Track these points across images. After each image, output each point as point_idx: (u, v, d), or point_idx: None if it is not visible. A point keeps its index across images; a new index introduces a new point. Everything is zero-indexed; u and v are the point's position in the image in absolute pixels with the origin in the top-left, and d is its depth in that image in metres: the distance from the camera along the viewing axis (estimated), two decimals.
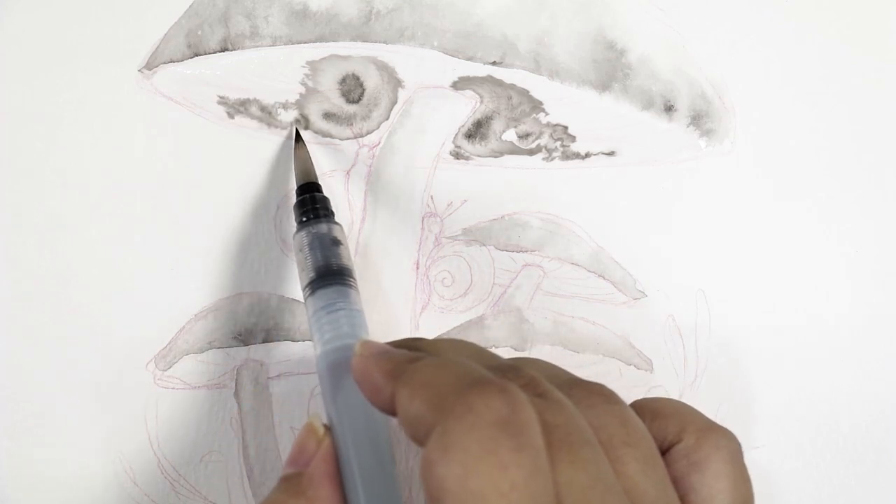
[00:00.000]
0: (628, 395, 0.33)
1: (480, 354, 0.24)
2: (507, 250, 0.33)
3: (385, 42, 0.32)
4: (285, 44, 0.32)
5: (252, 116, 0.33)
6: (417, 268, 0.33)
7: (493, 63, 0.32)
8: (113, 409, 0.33)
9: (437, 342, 0.25)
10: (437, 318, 0.33)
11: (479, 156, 0.33)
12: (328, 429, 0.25)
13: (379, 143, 0.33)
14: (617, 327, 0.33)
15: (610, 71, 0.32)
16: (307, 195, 0.30)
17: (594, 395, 0.23)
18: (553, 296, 0.33)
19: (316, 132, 0.33)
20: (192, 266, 0.33)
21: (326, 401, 0.26)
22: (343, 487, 0.24)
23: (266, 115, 0.33)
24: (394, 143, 0.33)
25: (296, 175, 0.31)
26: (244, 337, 0.33)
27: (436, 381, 0.21)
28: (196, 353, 0.33)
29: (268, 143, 0.33)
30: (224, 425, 0.33)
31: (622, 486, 0.21)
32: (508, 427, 0.19)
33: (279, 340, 0.33)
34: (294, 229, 0.30)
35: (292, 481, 0.24)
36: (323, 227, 0.29)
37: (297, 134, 0.32)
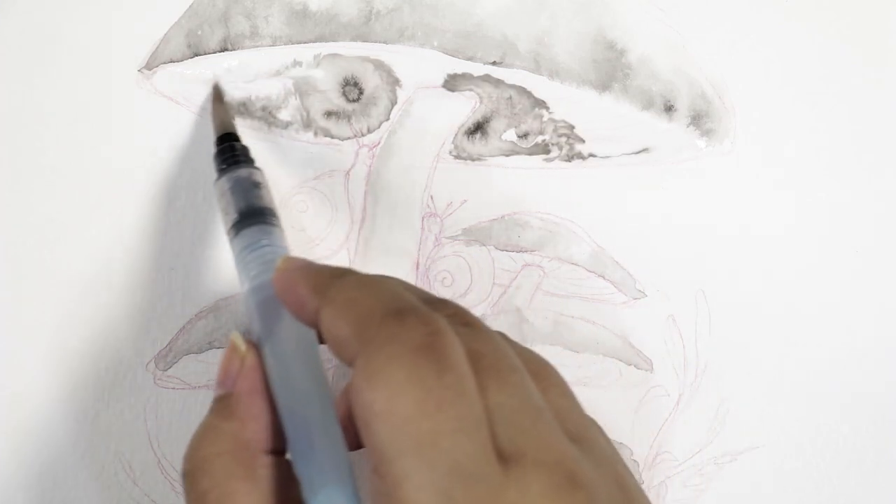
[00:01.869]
0: (628, 396, 0.33)
1: (409, 286, 0.24)
2: (507, 250, 0.33)
3: (385, 42, 0.32)
4: (285, 44, 0.32)
5: (252, 116, 0.33)
6: (417, 268, 0.33)
7: (493, 63, 0.32)
8: (113, 409, 0.33)
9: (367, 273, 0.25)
10: None
11: (479, 156, 0.33)
12: (251, 344, 0.25)
13: (379, 143, 0.33)
14: (617, 327, 0.33)
15: (610, 71, 0.32)
16: (226, 144, 0.30)
17: (500, 334, 0.24)
18: (553, 296, 0.33)
19: (316, 132, 0.33)
20: (192, 266, 0.33)
21: (256, 333, 0.25)
22: (276, 407, 0.23)
23: (266, 115, 0.33)
24: (394, 143, 0.33)
25: (214, 126, 0.31)
26: (244, 337, 0.33)
27: (359, 303, 0.21)
28: (196, 353, 0.33)
29: (268, 144, 0.33)
30: None
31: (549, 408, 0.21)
32: (431, 353, 0.20)
33: None
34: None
35: (222, 402, 0.24)
36: (243, 172, 0.29)
37: (216, 87, 0.32)
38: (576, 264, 0.33)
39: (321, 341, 0.24)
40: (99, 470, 0.33)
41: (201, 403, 0.33)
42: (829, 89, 0.33)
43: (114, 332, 0.33)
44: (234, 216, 0.28)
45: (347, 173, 0.33)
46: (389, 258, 0.33)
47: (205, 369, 0.33)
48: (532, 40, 0.32)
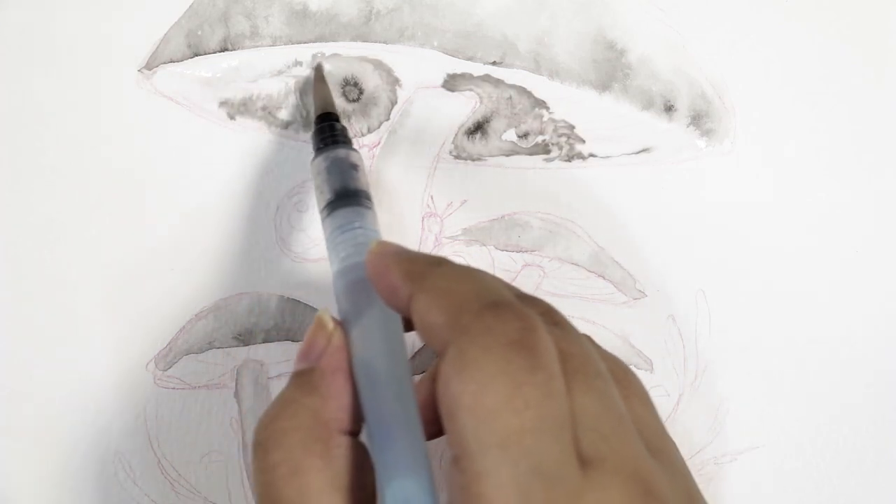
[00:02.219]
0: None
1: (503, 282, 0.24)
2: (507, 250, 0.33)
3: (385, 42, 0.32)
4: (285, 44, 0.32)
5: (252, 116, 0.33)
6: None
7: (494, 63, 0.32)
8: (113, 409, 0.33)
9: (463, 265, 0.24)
10: None
11: (479, 156, 0.33)
12: (338, 323, 0.24)
13: (379, 143, 0.33)
14: (617, 327, 0.33)
15: (610, 71, 0.32)
16: (325, 123, 0.30)
17: (587, 337, 0.24)
18: (553, 296, 0.33)
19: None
20: (192, 266, 0.33)
21: (343, 314, 0.25)
22: (356, 386, 0.23)
23: (266, 114, 0.33)
24: (394, 143, 0.33)
25: (315, 106, 0.31)
26: (244, 337, 0.33)
27: (455, 292, 0.21)
28: (196, 353, 0.33)
29: (268, 143, 0.33)
30: (224, 425, 0.33)
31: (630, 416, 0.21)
32: (524, 349, 0.20)
33: (279, 340, 0.33)
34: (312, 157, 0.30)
35: (304, 377, 0.24)
36: (341, 153, 0.29)
37: (318, 67, 0.32)
38: (576, 264, 0.33)
39: (407, 329, 0.24)
40: (99, 470, 0.33)
41: (201, 403, 0.33)
42: (829, 89, 0.33)
43: (114, 332, 0.33)
44: (329, 195, 0.28)
45: None
46: None
47: (205, 369, 0.33)
48: (532, 40, 0.32)
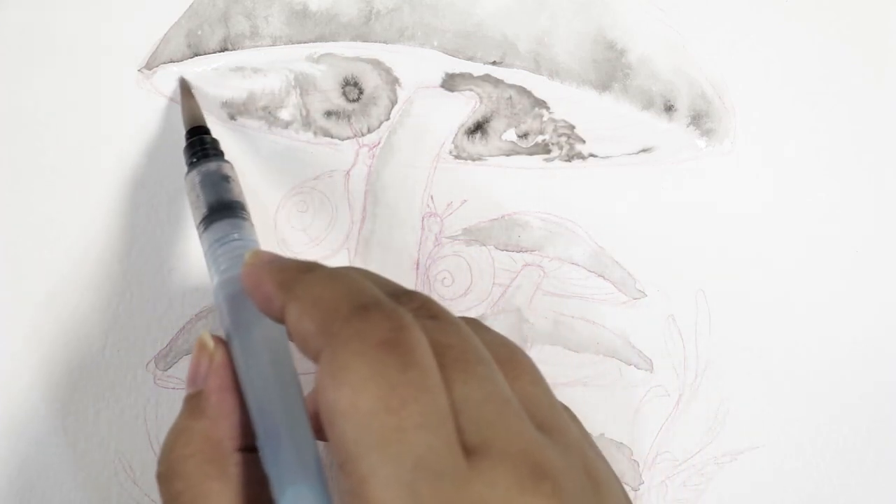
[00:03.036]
0: (628, 395, 0.33)
1: (376, 279, 0.24)
2: (507, 250, 0.33)
3: (385, 42, 0.32)
4: (285, 44, 0.32)
5: (252, 116, 0.33)
6: (417, 268, 0.33)
7: (494, 63, 0.32)
8: (113, 409, 0.33)
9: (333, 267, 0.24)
10: None
11: (479, 156, 0.33)
12: (219, 341, 0.24)
13: (379, 143, 0.33)
14: (617, 327, 0.33)
15: (610, 71, 0.32)
16: (195, 138, 0.30)
17: (470, 320, 0.24)
18: (553, 296, 0.33)
19: (316, 132, 0.33)
20: (192, 266, 0.33)
21: (226, 328, 0.25)
22: (246, 404, 0.23)
23: (267, 114, 0.33)
24: (394, 143, 0.33)
25: (184, 120, 0.31)
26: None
27: (324, 298, 0.21)
28: None
29: (268, 143, 0.33)
30: None
31: (518, 397, 0.21)
32: (395, 348, 0.20)
33: None
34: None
35: (193, 402, 0.24)
36: (212, 165, 0.29)
37: (183, 81, 0.32)
38: (576, 264, 0.33)
39: (291, 337, 0.24)
40: (99, 470, 0.33)
41: None
42: (829, 89, 0.33)
43: (114, 332, 0.33)
44: (203, 210, 0.28)
45: (347, 173, 0.33)
46: (389, 258, 0.33)
47: None
48: (532, 40, 0.32)
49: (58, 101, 0.33)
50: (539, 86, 0.33)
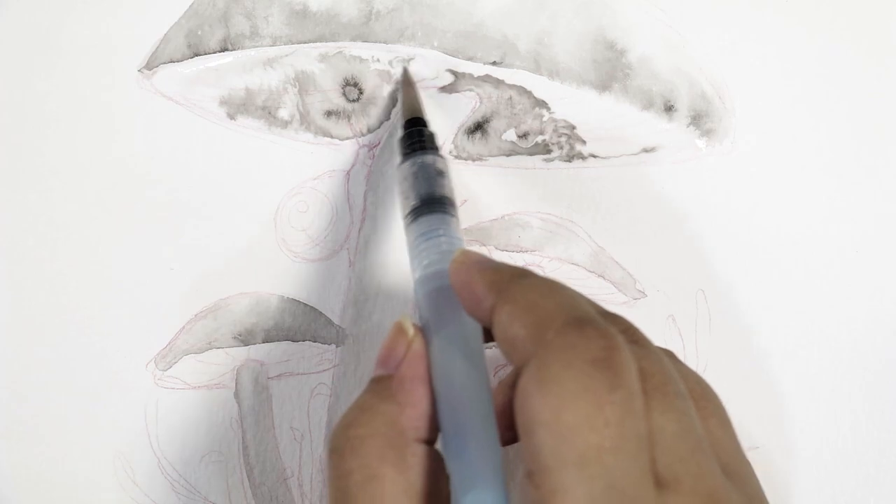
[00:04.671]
0: None
1: (585, 297, 0.23)
2: (507, 250, 0.33)
3: (385, 42, 0.32)
4: (285, 44, 0.32)
5: (252, 116, 0.33)
6: None
7: (494, 63, 0.32)
8: (113, 409, 0.33)
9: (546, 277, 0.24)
10: None
11: (479, 156, 0.33)
12: (418, 329, 0.24)
13: (379, 143, 0.33)
14: None
15: (610, 71, 0.32)
16: (414, 128, 0.30)
17: (667, 351, 0.24)
18: None
19: (316, 132, 0.33)
20: (192, 266, 0.33)
21: (424, 321, 0.25)
22: (434, 395, 0.23)
23: (266, 114, 0.33)
24: (394, 143, 0.33)
25: (402, 110, 0.31)
26: (244, 337, 0.33)
27: (539, 306, 0.21)
28: (196, 353, 0.33)
29: (268, 143, 0.33)
30: (224, 425, 0.33)
31: (707, 437, 0.21)
32: (606, 367, 0.20)
33: (279, 340, 0.33)
34: (398, 162, 0.30)
35: (382, 383, 0.23)
36: (428, 158, 0.29)
37: (405, 71, 0.32)
38: (576, 264, 0.33)
39: (486, 340, 0.24)
40: (99, 470, 0.33)
41: (201, 403, 0.33)
42: (829, 89, 0.33)
43: (114, 332, 0.33)
44: (414, 201, 0.28)
45: (348, 173, 0.33)
46: (389, 258, 0.33)
47: (205, 369, 0.33)
48: (532, 40, 0.32)
49: (58, 100, 0.33)
50: (539, 86, 0.33)
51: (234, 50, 0.32)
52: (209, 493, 0.33)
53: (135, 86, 0.33)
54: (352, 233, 0.33)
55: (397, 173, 0.29)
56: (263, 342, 0.33)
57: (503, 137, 0.33)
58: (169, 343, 0.33)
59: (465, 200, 0.33)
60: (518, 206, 0.33)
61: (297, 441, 0.33)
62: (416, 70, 0.33)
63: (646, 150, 0.33)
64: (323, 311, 0.33)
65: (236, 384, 0.33)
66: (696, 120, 0.33)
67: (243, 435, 0.33)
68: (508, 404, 0.21)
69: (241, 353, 0.33)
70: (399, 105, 0.32)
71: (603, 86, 0.32)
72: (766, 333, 0.33)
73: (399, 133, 0.30)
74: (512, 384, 0.21)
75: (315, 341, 0.33)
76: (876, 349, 0.34)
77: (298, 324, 0.33)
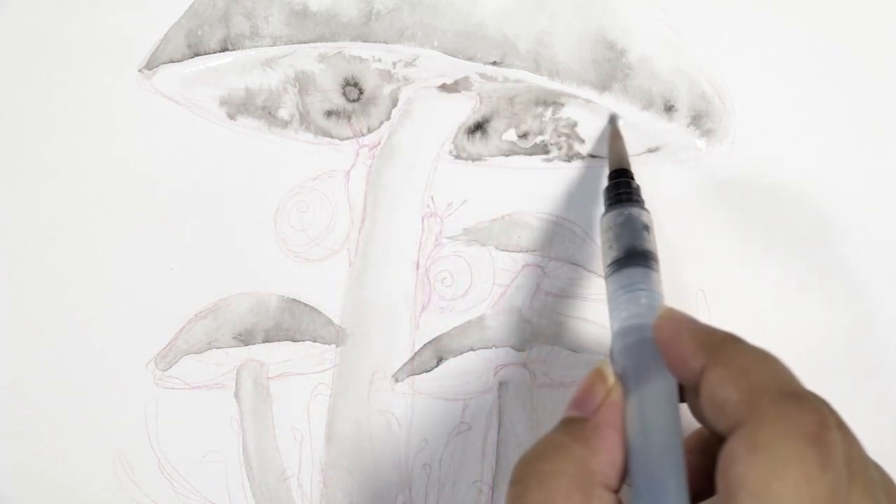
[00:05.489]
0: None
1: (790, 369, 0.24)
2: (507, 250, 0.33)
3: (385, 42, 0.32)
4: (285, 44, 0.32)
5: (252, 116, 0.33)
6: (417, 268, 0.33)
7: (494, 63, 0.32)
8: (113, 409, 0.33)
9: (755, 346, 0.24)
10: (437, 318, 0.33)
11: (479, 156, 0.33)
12: (619, 379, 0.24)
13: (379, 143, 0.33)
14: None
15: (610, 71, 0.32)
16: (621, 179, 0.30)
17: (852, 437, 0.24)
18: (553, 296, 0.33)
19: (316, 132, 0.33)
20: (192, 266, 0.33)
21: (621, 372, 0.25)
22: (627, 446, 0.23)
23: (266, 114, 0.33)
24: (394, 143, 0.33)
25: (610, 160, 0.31)
26: (244, 337, 0.33)
27: (754, 372, 0.22)
28: (196, 353, 0.33)
29: (268, 143, 0.33)
30: (224, 425, 0.33)
31: None
32: (819, 444, 0.20)
33: (279, 340, 0.33)
34: (602, 211, 0.30)
35: (576, 425, 0.23)
36: (635, 211, 0.29)
37: (613, 121, 0.32)
38: (576, 264, 0.33)
39: (681, 399, 0.24)
40: (99, 470, 0.33)
41: (201, 403, 0.33)
42: (829, 89, 0.33)
43: (114, 332, 0.33)
44: (617, 253, 0.28)
45: (347, 173, 0.33)
46: (389, 258, 0.33)
47: (205, 369, 0.33)
48: (532, 40, 0.32)
49: (58, 100, 0.33)
50: (539, 86, 0.33)
51: (234, 50, 0.32)
52: (209, 493, 0.33)
53: (135, 86, 0.33)
54: (352, 233, 0.33)
55: (601, 223, 0.29)
56: (263, 342, 0.33)
57: (503, 137, 0.33)
58: (169, 343, 0.33)
59: (466, 200, 0.33)
60: (518, 206, 0.33)
61: (297, 441, 0.33)
62: (415, 70, 0.33)
63: (646, 151, 0.33)
64: (323, 311, 0.33)
65: (236, 384, 0.33)
66: (696, 120, 0.33)
67: (243, 435, 0.33)
68: (696, 464, 0.22)
69: (241, 353, 0.33)
70: (607, 155, 0.32)
71: (603, 86, 0.32)
72: (765, 333, 0.33)
73: (606, 183, 0.30)
74: (702, 446, 0.23)
75: (315, 341, 0.33)
76: (876, 349, 0.34)
77: (298, 324, 0.33)
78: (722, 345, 0.23)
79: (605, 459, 0.23)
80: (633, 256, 0.27)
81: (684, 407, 0.24)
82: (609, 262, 0.28)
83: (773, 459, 0.20)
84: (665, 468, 0.22)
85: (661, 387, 0.24)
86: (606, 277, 0.28)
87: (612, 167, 0.31)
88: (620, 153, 0.31)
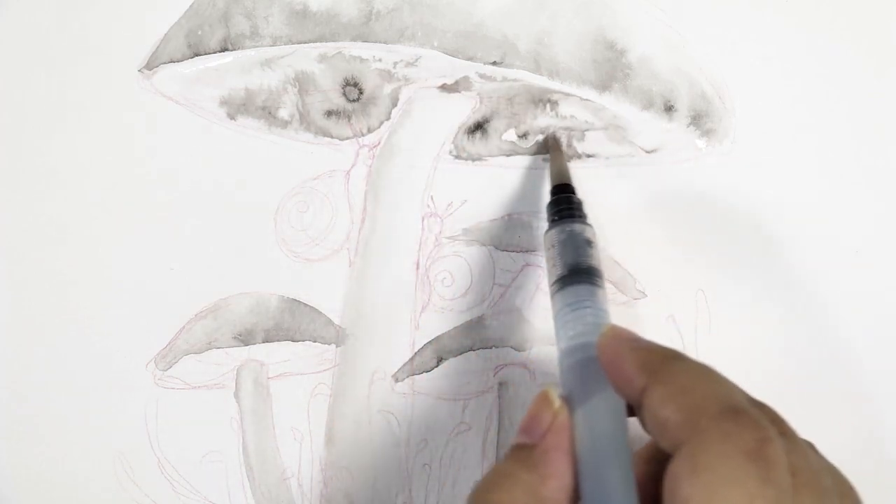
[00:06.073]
0: None
1: (735, 384, 0.24)
2: (507, 250, 0.33)
3: (385, 42, 0.32)
4: (285, 44, 0.32)
5: (252, 116, 0.33)
6: (417, 268, 0.33)
7: (494, 63, 0.32)
8: (113, 409, 0.33)
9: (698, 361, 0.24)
10: (437, 318, 0.33)
11: (479, 156, 0.33)
12: (564, 402, 0.24)
13: (379, 143, 0.33)
14: None
15: (610, 71, 0.32)
16: (562, 195, 0.30)
17: (808, 443, 0.24)
18: None
19: (316, 132, 0.33)
20: (192, 266, 0.33)
21: (567, 392, 0.25)
22: (576, 467, 0.23)
23: (266, 114, 0.33)
24: (394, 143, 0.33)
25: (551, 176, 0.31)
26: (244, 337, 0.33)
27: (693, 391, 0.22)
28: (196, 353, 0.33)
29: (268, 143, 0.33)
30: (224, 425, 0.33)
31: None
32: (760, 460, 0.20)
33: (279, 340, 0.33)
34: (545, 228, 0.30)
35: (524, 452, 0.24)
36: (577, 227, 0.29)
37: (554, 137, 0.33)
38: None
39: (629, 414, 0.24)
40: (99, 470, 0.33)
41: (201, 403, 0.33)
42: (829, 89, 0.33)
43: (114, 332, 0.33)
44: (561, 270, 0.28)
45: (347, 173, 0.33)
46: (389, 258, 0.33)
47: (205, 369, 0.33)
48: (532, 40, 0.32)
49: (58, 100, 0.33)
50: (539, 86, 0.33)
51: (235, 50, 0.32)
52: (209, 493, 0.33)
53: (135, 86, 0.33)
54: (352, 233, 0.33)
55: (544, 240, 0.30)
56: (263, 342, 0.33)
57: (503, 137, 0.33)
58: (169, 343, 0.33)
59: (466, 200, 0.33)
60: (518, 206, 0.33)
61: (297, 441, 0.33)
62: (416, 70, 0.33)
63: (646, 151, 0.33)
64: (323, 311, 0.33)
65: (236, 384, 0.33)
66: (696, 120, 0.33)
67: (243, 435, 0.33)
68: (645, 479, 0.22)
69: (241, 353, 0.33)
70: (547, 171, 0.32)
71: (603, 86, 0.32)
72: (765, 333, 0.33)
73: (547, 199, 0.30)
74: (648, 459, 0.23)
75: (315, 341, 0.33)
76: (876, 349, 0.34)
77: (298, 324, 0.33)
78: (662, 363, 0.23)
79: (555, 485, 0.23)
80: (577, 273, 0.27)
81: (635, 421, 0.24)
82: (553, 279, 0.28)
83: (714, 479, 0.20)
84: (614, 487, 0.22)
85: (607, 404, 0.24)
86: (552, 296, 0.28)
87: (554, 182, 0.31)
88: (561, 168, 0.31)
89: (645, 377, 0.22)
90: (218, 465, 0.33)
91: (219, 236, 0.33)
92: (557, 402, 0.24)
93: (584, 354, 0.25)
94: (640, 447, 0.24)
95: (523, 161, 0.33)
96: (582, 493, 0.23)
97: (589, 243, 0.29)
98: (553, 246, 0.29)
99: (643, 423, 0.23)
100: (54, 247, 0.33)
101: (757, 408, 0.22)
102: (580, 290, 0.27)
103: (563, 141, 0.33)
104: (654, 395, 0.22)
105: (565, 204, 0.30)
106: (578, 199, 0.30)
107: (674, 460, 0.21)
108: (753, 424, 0.20)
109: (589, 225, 0.29)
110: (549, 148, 0.32)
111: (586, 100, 0.32)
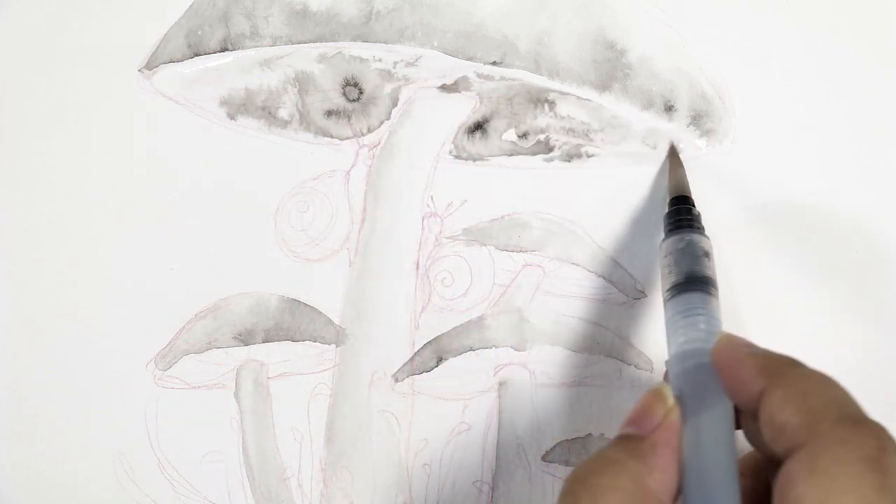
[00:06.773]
0: (628, 396, 0.33)
1: (850, 392, 0.24)
2: (507, 250, 0.33)
3: (385, 42, 0.32)
4: (285, 44, 0.32)
5: (252, 116, 0.33)
6: (417, 268, 0.33)
7: (494, 63, 0.32)
8: (113, 409, 0.33)
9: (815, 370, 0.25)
10: (437, 318, 0.33)
11: (479, 156, 0.33)
12: (678, 401, 0.24)
13: (379, 143, 0.33)
14: (617, 327, 0.33)
15: (610, 71, 0.32)
16: (682, 206, 0.30)
17: None
18: (553, 296, 0.33)
19: (316, 132, 0.33)
20: (192, 266, 0.33)
21: (678, 396, 0.25)
22: (682, 468, 0.23)
23: (266, 114, 0.33)
24: (394, 143, 0.33)
25: (669, 187, 0.32)
26: (244, 337, 0.33)
27: (814, 396, 0.22)
28: (196, 353, 0.33)
29: (268, 143, 0.33)
30: (224, 425, 0.33)
31: None
32: (878, 468, 0.20)
33: (279, 340, 0.33)
34: (662, 237, 0.30)
35: (633, 443, 0.24)
36: (695, 237, 0.29)
37: (673, 149, 0.33)
38: (576, 264, 0.33)
39: (737, 425, 0.24)
40: (99, 470, 0.33)
41: (201, 403, 0.33)
42: (830, 89, 0.33)
43: (114, 332, 0.33)
44: (676, 278, 0.28)
45: (347, 173, 0.33)
46: (389, 258, 0.33)
47: (205, 369, 0.33)
48: (532, 40, 0.32)
49: (58, 100, 0.33)
50: (539, 86, 0.33)
51: (235, 50, 0.32)
52: (209, 493, 0.33)
53: (135, 86, 0.33)
54: (352, 233, 0.33)
55: (661, 248, 0.30)
56: (263, 342, 0.33)
57: (503, 137, 0.33)
58: (169, 343, 0.33)
59: (466, 200, 0.33)
60: (518, 206, 0.33)
61: (297, 441, 0.33)
62: (416, 70, 0.33)
63: (646, 151, 0.33)
64: (323, 311, 0.33)
65: (236, 384, 0.33)
66: (696, 120, 0.33)
67: (243, 435, 0.33)
68: (747, 487, 0.22)
69: (241, 353, 0.33)
70: (666, 182, 0.32)
71: (603, 86, 0.32)
72: (765, 334, 0.33)
73: (665, 209, 0.31)
74: (754, 469, 0.23)
75: (315, 341, 0.33)
76: (876, 350, 0.34)
77: (298, 324, 0.33)
78: (782, 368, 0.23)
79: (661, 478, 0.23)
80: (693, 282, 0.28)
81: (738, 433, 0.24)
82: (668, 286, 0.28)
83: (831, 482, 0.20)
84: (721, 491, 0.22)
85: (719, 411, 0.24)
86: (665, 302, 0.28)
87: (673, 194, 0.31)
88: (681, 180, 0.32)
89: (764, 381, 0.23)
90: (218, 464, 0.33)
91: (219, 236, 0.33)
92: (671, 400, 0.24)
93: (696, 360, 0.25)
94: (746, 455, 0.24)
95: (523, 161, 0.33)
96: (686, 493, 0.23)
97: (706, 254, 0.29)
98: (670, 254, 0.29)
99: (750, 432, 0.24)
100: (54, 247, 0.33)
101: (874, 421, 0.23)
102: (693, 297, 0.27)
103: (568, 141, 0.33)
104: (773, 397, 0.22)
105: (685, 214, 0.30)
106: (698, 212, 0.30)
107: (790, 462, 0.21)
108: (873, 433, 0.21)
109: (707, 237, 0.29)
110: (668, 156, 0.33)
111: (586, 100, 0.32)
